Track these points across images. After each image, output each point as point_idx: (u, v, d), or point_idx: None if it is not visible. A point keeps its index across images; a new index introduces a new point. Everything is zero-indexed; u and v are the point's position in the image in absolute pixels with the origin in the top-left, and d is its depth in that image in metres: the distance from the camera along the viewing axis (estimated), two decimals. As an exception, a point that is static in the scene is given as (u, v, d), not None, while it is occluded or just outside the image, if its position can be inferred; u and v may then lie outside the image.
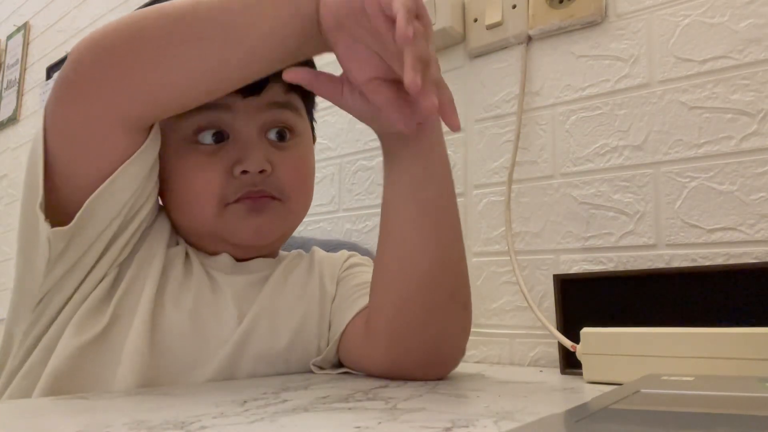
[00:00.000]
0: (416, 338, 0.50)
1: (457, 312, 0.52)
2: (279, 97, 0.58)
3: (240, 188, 0.55)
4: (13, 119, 1.93)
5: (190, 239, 0.59)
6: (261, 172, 0.55)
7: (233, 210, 0.55)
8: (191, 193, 0.56)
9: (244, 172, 0.54)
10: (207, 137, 0.55)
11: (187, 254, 0.57)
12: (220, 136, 0.55)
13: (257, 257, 0.61)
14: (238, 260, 0.60)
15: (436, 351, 0.51)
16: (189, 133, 0.55)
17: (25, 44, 1.94)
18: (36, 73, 1.87)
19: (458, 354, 0.54)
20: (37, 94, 1.81)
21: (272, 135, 0.57)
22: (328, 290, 0.62)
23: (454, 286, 0.52)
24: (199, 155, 0.55)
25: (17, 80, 1.94)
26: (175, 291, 0.54)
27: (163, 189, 0.57)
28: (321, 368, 0.58)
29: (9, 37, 2.02)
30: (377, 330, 0.52)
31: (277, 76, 0.54)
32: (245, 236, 0.56)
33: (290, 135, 0.59)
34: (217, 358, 0.53)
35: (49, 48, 1.83)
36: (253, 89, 0.55)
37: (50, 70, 1.77)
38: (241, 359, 0.54)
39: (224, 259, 0.59)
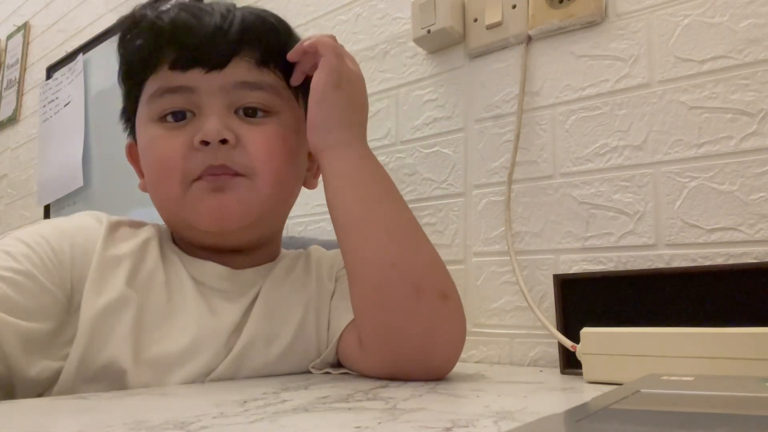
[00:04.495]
0: (401, 338, 0.49)
1: (434, 303, 0.50)
2: (247, 75, 0.55)
3: (202, 162, 0.53)
4: (12, 119, 1.93)
5: (177, 237, 0.59)
6: (223, 142, 0.53)
7: (196, 188, 0.54)
8: (157, 169, 0.55)
9: (204, 142, 0.53)
10: (171, 117, 0.55)
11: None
12: (183, 115, 0.55)
13: (251, 266, 0.59)
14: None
15: (429, 348, 0.50)
16: (155, 117, 0.55)
17: (25, 44, 1.94)
18: (36, 73, 1.86)
19: (454, 348, 0.51)
20: (37, 94, 1.81)
21: (240, 112, 0.55)
22: (326, 287, 0.61)
23: (418, 277, 0.50)
24: (165, 130, 0.55)
25: (17, 80, 1.94)
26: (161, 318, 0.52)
27: (145, 176, 0.58)
28: (319, 369, 0.58)
29: (9, 37, 2.02)
30: (365, 337, 0.52)
31: (245, 51, 0.56)
32: (206, 218, 0.54)
33: (264, 114, 0.56)
34: (213, 373, 0.52)
35: (49, 48, 1.83)
36: (215, 63, 0.54)
37: (50, 70, 1.76)
38: (237, 373, 0.54)
39: (216, 270, 0.56)
